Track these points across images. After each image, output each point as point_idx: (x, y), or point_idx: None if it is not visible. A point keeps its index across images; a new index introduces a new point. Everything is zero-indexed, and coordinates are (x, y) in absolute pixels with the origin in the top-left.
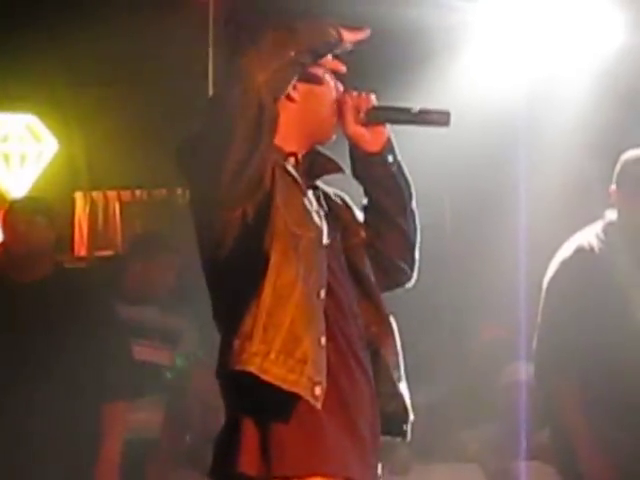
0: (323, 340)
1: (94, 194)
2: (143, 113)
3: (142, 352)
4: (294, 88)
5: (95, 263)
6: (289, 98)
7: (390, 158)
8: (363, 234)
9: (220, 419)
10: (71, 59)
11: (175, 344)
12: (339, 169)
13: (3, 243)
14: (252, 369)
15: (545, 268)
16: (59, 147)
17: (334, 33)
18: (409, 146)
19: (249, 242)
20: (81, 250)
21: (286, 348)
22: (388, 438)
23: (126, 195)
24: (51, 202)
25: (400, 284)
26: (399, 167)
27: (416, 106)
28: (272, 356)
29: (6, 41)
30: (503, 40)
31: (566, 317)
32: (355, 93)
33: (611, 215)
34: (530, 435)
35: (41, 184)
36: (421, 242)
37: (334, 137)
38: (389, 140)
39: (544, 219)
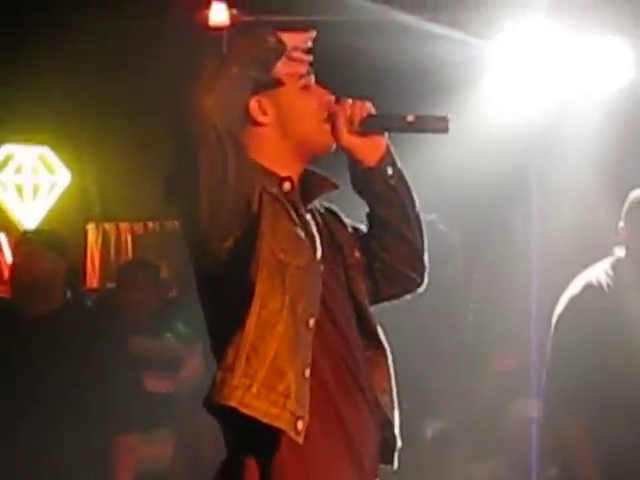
0: (307, 372)
1: (106, 225)
2: (155, 145)
3: (148, 383)
4: (261, 110)
5: (105, 294)
6: (257, 122)
7: (390, 170)
8: (357, 254)
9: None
10: (85, 91)
11: (176, 370)
12: (334, 186)
13: (12, 275)
14: (232, 403)
15: (556, 299)
16: (72, 179)
17: (272, 39)
18: (421, 176)
19: (238, 271)
20: (93, 281)
21: (269, 381)
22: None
23: (138, 227)
24: (61, 234)
25: (409, 291)
26: (400, 177)
27: (412, 113)
28: (254, 389)
29: (20, 73)
30: (517, 76)
31: (575, 354)
32: (348, 102)
33: (620, 252)
34: (539, 472)
35: (54, 215)
36: (432, 272)
37: (333, 146)
38: (388, 150)
39: (556, 250)
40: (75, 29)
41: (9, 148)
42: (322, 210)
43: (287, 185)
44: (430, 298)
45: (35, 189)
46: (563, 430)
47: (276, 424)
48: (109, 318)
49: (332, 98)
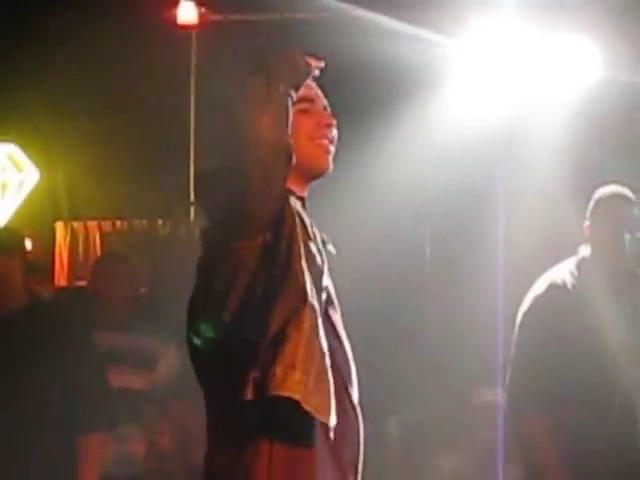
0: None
1: (75, 224)
2: (124, 144)
3: (116, 378)
4: None
5: (70, 292)
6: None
7: None
8: None
9: (200, 451)
10: (54, 90)
11: (151, 366)
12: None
13: None
14: (297, 397)
15: (523, 297)
16: (40, 177)
17: (303, 62)
18: (390, 175)
19: (274, 268)
20: (61, 280)
21: (317, 380)
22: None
23: (106, 225)
24: (13, 232)
25: None
26: None
27: None
28: (310, 387)
29: None
30: (482, 75)
31: (539, 352)
32: None
33: (584, 251)
34: (505, 462)
35: (22, 214)
36: (402, 278)
37: (326, 167)
38: None
39: (523, 249)
40: (43, 27)
41: None
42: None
43: (302, 203)
44: (400, 295)
45: (3, 187)
46: (526, 427)
47: (326, 420)
48: (72, 316)
49: (333, 122)
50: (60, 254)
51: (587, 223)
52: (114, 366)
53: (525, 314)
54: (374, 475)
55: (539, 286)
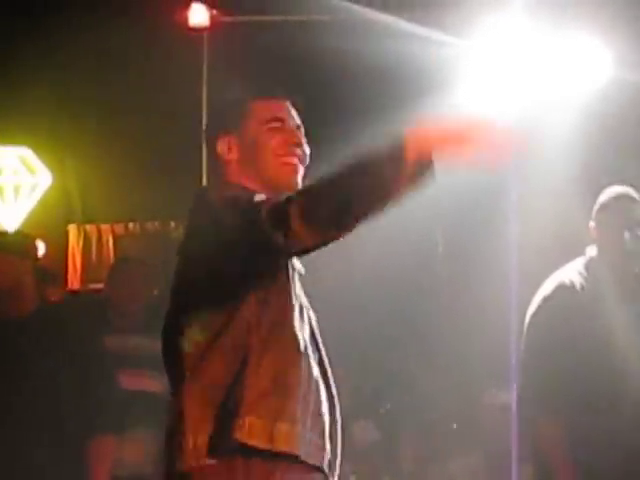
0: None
1: (87, 227)
2: (137, 147)
3: (133, 381)
4: (228, 148)
5: (82, 296)
6: (225, 160)
7: None
8: None
9: None
10: (67, 93)
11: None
12: None
13: None
14: (298, 452)
15: (533, 295)
16: (53, 180)
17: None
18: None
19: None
20: (74, 283)
21: (314, 428)
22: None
23: (119, 228)
24: (25, 235)
25: None
26: None
27: None
28: (309, 437)
29: (2, 74)
30: (493, 75)
31: (547, 353)
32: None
33: (591, 251)
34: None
35: (35, 217)
36: (414, 279)
37: (290, 183)
38: None
39: (535, 249)
40: (55, 30)
41: None
42: None
43: None
44: (412, 296)
45: (16, 190)
46: (536, 427)
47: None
48: (81, 320)
49: (301, 140)
50: (73, 257)
51: (593, 224)
52: (131, 369)
53: (533, 315)
54: (388, 476)
55: (547, 287)
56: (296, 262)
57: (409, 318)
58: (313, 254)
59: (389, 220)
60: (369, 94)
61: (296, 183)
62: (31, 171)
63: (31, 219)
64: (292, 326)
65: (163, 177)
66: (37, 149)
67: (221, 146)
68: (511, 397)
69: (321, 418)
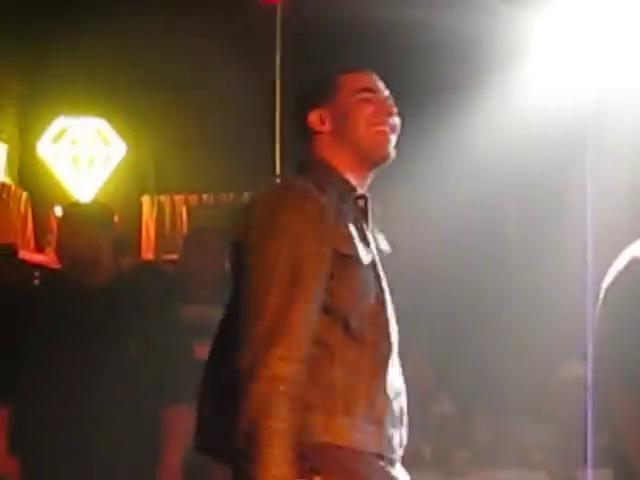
0: None
1: (161, 198)
2: (210, 118)
3: (205, 352)
4: (321, 120)
5: (156, 266)
6: (318, 131)
7: None
8: None
9: None
10: (141, 65)
11: None
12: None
13: (58, 249)
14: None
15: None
16: (127, 151)
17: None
18: (475, 151)
19: None
20: (148, 253)
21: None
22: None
23: (193, 199)
24: (106, 206)
25: None
26: None
27: None
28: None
29: (78, 47)
30: (566, 48)
31: (620, 328)
32: None
33: None
34: (592, 436)
35: (109, 187)
36: (488, 254)
37: (386, 153)
38: None
39: (609, 223)
40: (128, 6)
41: (65, 121)
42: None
43: (361, 202)
44: (488, 270)
45: (90, 161)
46: (610, 403)
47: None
48: (158, 288)
49: (393, 110)
50: (147, 228)
51: None
52: (205, 339)
53: (607, 290)
54: (462, 449)
55: (621, 261)
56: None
57: (483, 292)
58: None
59: (462, 195)
60: (439, 68)
61: (389, 152)
62: (106, 142)
63: (105, 190)
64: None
65: (237, 149)
66: (112, 120)
67: (313, 118)
68: (586, 370)
69: (383, 402)
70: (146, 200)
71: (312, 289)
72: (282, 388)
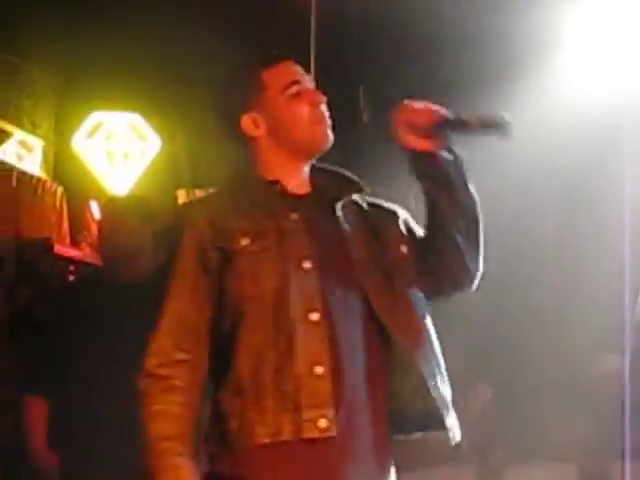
0: None
1: (196, 192)
2: None
3: None
4: (254, 124)
5: None
6: (253, 137)
7: (446, 155)
8: (404, 250)
9: None
10: (174, 58)
11: None
12: (360, 189)
13: (98, 244)
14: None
15: None
16: (162, 145)
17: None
18: (510, 155)
19: None
20: None
21: None
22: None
23: None
24: (147, 200)
25: (459, 291)
26: (457, 167)
27: (476, 115)
28: None
29: (110, 41)
30: (606, 41)
31: None
32: (414, 105)
33: None
34: (633, 434)
35: (144, 182)
36: (523, 245)
37: (327, 144)
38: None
39: None
40: None
41: (99, 115)
42: (366, 207)
43: (277, 187)
44: (524, 261)
45: (125, 156)
46: None
47: None
48: None
49: (323, 99)
50: None
51: None
52: None
53: None
54: (499, 443)
55: None
56: None
57: (519, 284)
58: None
59: (498, 188)
60: (474, 62)
61: (330, 141)
62: (140, 137)
63: (140, 184)
64: None
65: None
66: (147, 115)
67: (245, 123)
68: (624, 363)
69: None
70: (182, 194)
71: (180, 285)
72: (146, 381)
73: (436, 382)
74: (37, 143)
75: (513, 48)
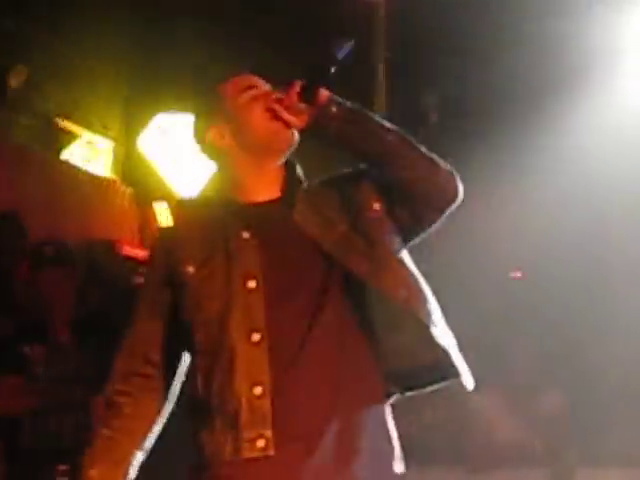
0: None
1: None
2: None
3: None
4: (220, 135)
5: None
6: (220, 147)
7: (333, 109)
8: (377, 206)
9: None
10: (238, 62)
11: None
12: (301, 182)
13: None
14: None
15: None
16: None
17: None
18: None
19: None
20: None
21: None
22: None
23: None
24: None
25: (447, 206)
26: (350, 110)
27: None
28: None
29: (181, 44)
30: None
31: None
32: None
33: None
34: None
35: (210, 184)
36: (590, 249)
37: (287, 142)
38: (324, 103)
39: None
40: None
41: (166, 117)
42: (318, 189)
43: (235, 205)
44: (591, 266)
45: (193, 158)
46: None
47: None
48: None
49: (279, 99)
50: None
51: None
52: None
53: None
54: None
55: None
56: None
57: (586, 289)
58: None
59: (568, 190)
60: (532, 74)
61: (294, 139)
62: None
63: (206, 186)
64: None
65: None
66: None
67: (212, 136)
68: None
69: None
70: None
71: (139, 310)
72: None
73: (439, 330)
74: (107, 144)
75: (575, 58)
